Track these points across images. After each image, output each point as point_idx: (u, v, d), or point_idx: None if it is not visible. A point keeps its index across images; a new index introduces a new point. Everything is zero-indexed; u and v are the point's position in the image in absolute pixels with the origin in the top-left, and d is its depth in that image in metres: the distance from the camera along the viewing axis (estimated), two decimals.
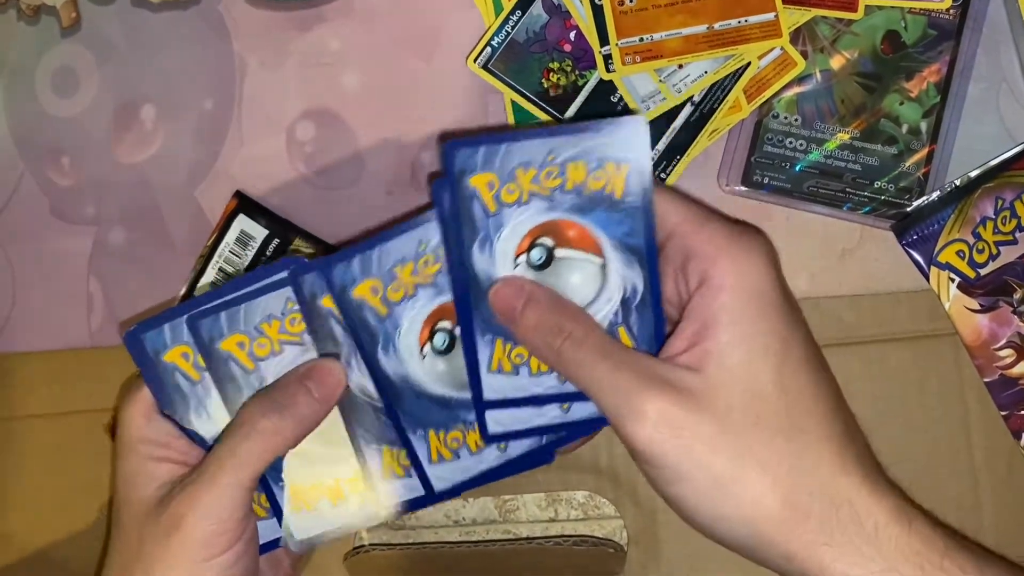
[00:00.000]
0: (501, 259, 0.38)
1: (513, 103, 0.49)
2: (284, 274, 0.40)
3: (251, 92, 0.52)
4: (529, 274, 0.39)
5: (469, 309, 0.39)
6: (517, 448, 0.42)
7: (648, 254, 0.38)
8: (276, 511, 0.42)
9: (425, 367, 0.41)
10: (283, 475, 0.41)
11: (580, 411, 0.41)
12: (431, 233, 0.39)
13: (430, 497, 0.42)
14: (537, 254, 0.39)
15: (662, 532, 0.49)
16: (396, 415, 0.41)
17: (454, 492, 0.42)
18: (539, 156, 0.37)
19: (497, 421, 0.40)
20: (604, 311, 0.39)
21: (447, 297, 0.40)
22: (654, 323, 0.39)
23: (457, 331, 0.40)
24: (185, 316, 0.40)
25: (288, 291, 0.40)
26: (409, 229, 0.39)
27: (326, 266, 0.39)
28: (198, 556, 0.38)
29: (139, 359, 0.40)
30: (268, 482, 0.41)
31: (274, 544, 0.42)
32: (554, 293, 0.39)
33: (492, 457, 0.42)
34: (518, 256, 0.39)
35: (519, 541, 0.51)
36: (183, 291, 0.50)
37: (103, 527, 0.52)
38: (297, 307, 0.40)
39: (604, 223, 0.38)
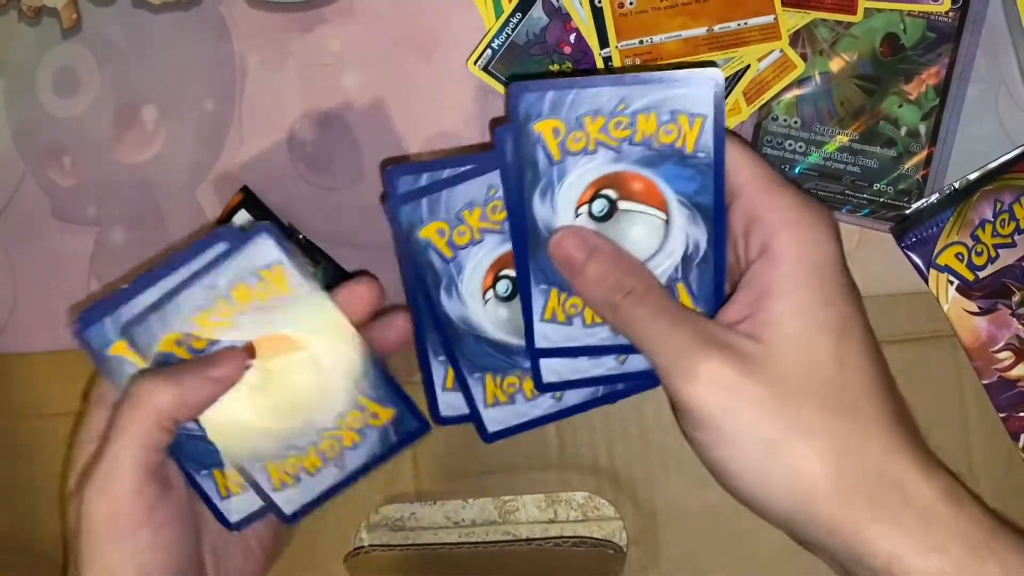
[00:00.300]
0: (562, 208, 0.38)
1: None
2: (208, 259, 0.39)
3: (252, 93, 0.52)
4: (590, 225, 0.38)
5: (526, 256, 0.38)
6: (572, 398, 0.42)
7: (716, 213, 0.37)
8: (260, 495, 0.41)
9: (487, 312, 0.40)
10: (255, 457, 0.41)
11: (636, 363, 0.40)
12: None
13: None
14: (599, 205, 0.38)
15: (662, 533, 0.49)
16: (453, 355, 0.41)
17: (505, 434, 0.42)
18: (609, 105, 0.36)
19: (552, 370, 0.40)
20: (664, 266, 0.38)
21: None
22: (714, 282, 0.38)
23: None
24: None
25: (212, 279, 0.39)
26: (479, 174, 0.38)
27: (394, 207, 0.38)
28: (103, 537, 0.37)
29: (88, 352, 0.39)
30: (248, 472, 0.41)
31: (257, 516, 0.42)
32: (616, 247, 0.38)
33: (546, 404, 0.42)
34: (579, 207, 0.38)
35: (518, 542, 0.51)
36: None
37: None
38: (224, 293, 0.39)
39: (672, 178, 0.37)
